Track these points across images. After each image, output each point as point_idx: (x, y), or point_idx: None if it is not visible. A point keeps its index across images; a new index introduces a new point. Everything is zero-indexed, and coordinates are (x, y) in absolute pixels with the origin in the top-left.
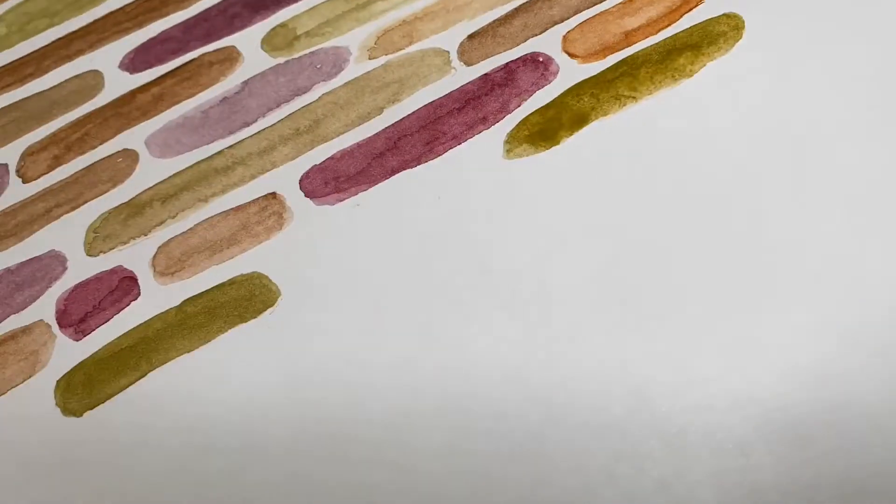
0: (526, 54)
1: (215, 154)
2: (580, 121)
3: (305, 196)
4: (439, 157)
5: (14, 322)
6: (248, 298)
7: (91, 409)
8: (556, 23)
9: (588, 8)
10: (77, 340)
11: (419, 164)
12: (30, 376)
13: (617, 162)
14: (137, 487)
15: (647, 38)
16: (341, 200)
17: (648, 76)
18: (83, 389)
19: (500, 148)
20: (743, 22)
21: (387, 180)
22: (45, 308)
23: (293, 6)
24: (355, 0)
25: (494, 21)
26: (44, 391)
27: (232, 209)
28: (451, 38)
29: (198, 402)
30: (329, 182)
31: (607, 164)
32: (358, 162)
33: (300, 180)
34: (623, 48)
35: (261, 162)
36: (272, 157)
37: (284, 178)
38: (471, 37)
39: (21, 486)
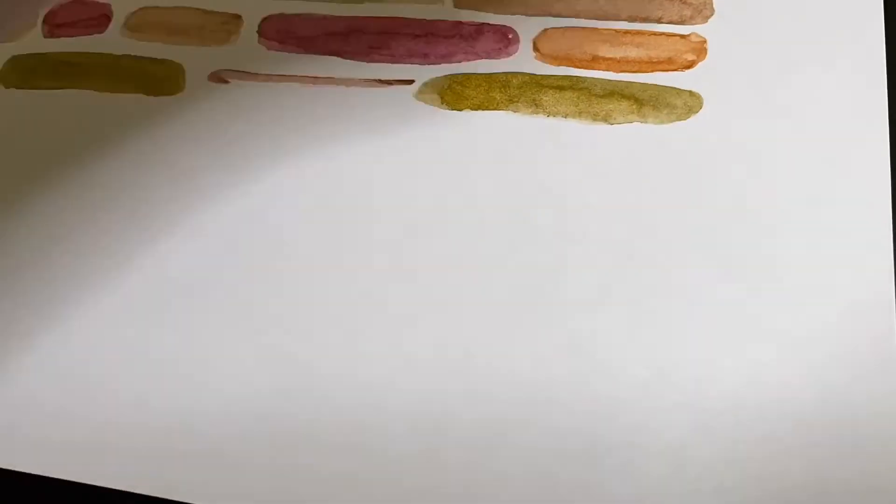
0: (505, 26)
1: None
2: (489, 104)
3: (256, 32)
4: (365, 65)
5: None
6: (161, 79)
7: (18, 87)
8: (549, 14)
9: (585, 18)
10: (45, 37)
11: (349, 60)
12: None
13: (482, 157)
14: None
15: (607, 70)
16: (276, 51)
17: (575, 100)
18: (25, 71)
19: (416, 87)
20: (700, 104)
21: (319, 56)
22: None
23: None
24: None
25: None
26: None
27: (203, 9)
28: None
29: None
30: (280, 31)
31: (475, 154)
32: (312, 30)
33: (262, 19)
34: (580, 67)
35: None
36: None
37: (255, 11)
38: None
39: None
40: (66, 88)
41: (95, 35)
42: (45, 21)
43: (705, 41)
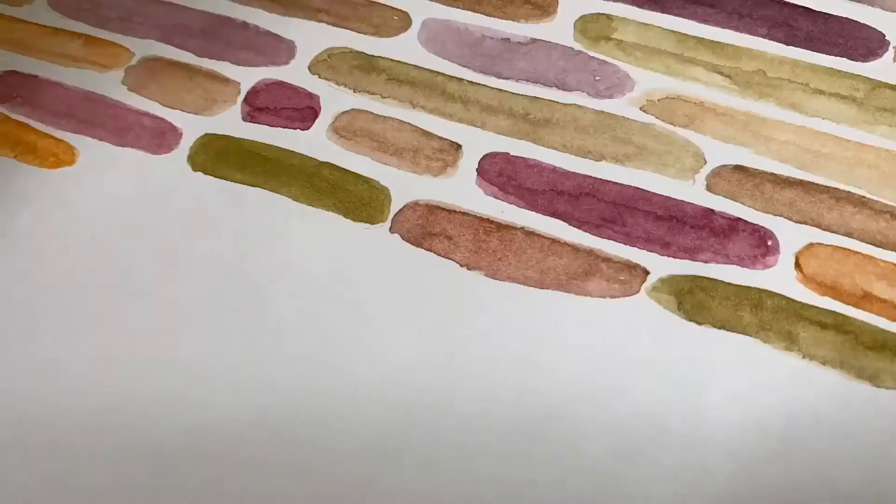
0: (763, 227)
1: (454, 77)
2: (735, 324)
3: (476, 169)
4: (594, 240)
5: (220, 66)
6: (364, 203)
7: (206, 173)
8: (818, 226)
9: (860, 240)
10: (243, 120)
11: (578, 228)
12: (200, 111)
13: (719, 391)
14: None
15: (880, 314)
16: (495, 197)
17: (838, 346)
18: (215, 155)
19: (650, 281)
20: None
21: (539, 215)
22: (247, 77)
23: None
24: (693, 50)
25: (773, 173)
26: (189, 135)
27: (417, 128)
28: (719, 152)
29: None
30: (502, 175)
31: (711, 387)
32: (538, 181)
33: (485, 154)
34: (849, 303)
35: (477, 114)
36: (488, 118)
37: (477, 142)
38: (737, 168)
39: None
40: (255, 186)
41: (299, 130)
42: (245, 100)
43: None
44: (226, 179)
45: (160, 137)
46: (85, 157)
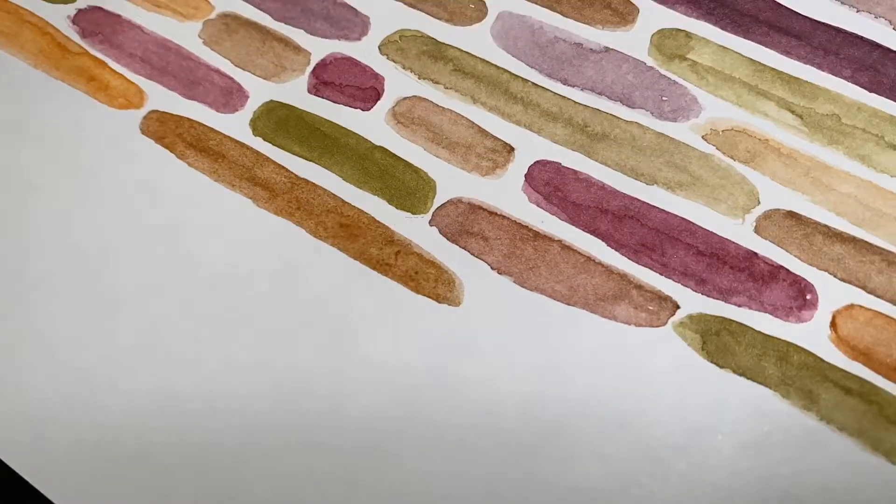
0: (804, 279)
1: (519, 77)
2: (756, 374)
3: (524, 175)
4: (630, 265)
5: (294, 34)
6: (410, 192)
7: (265, 140)
8: (863, 287)
9: None
10: (308, 91)
11: (616, 251)
12: (269, 77)
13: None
14: None
15: None
16: (538, 206)
17: (860, 414)
18: (275, 123)
19: (678, 316)
20: None
21: (579, 230)
22: (318, 47)
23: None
24: (769, 82)
25: (826, 225)
26: (256, 99)
27: (474, 124)
28: (775, 194)
29: None
30: (549, 185)
31: (715, 434)
32: (584, 196)
33: (536, 161)
34: (879, 373)
35: (535, 119)
36: (545, 124)
37: (531, 147)
38: (790, 213)
39: None
40: (310, 161)
41: (359, 110)
42: (313, 72)
43: None
44: (283, 149)
45: (227, 96)
46: (152, 102)
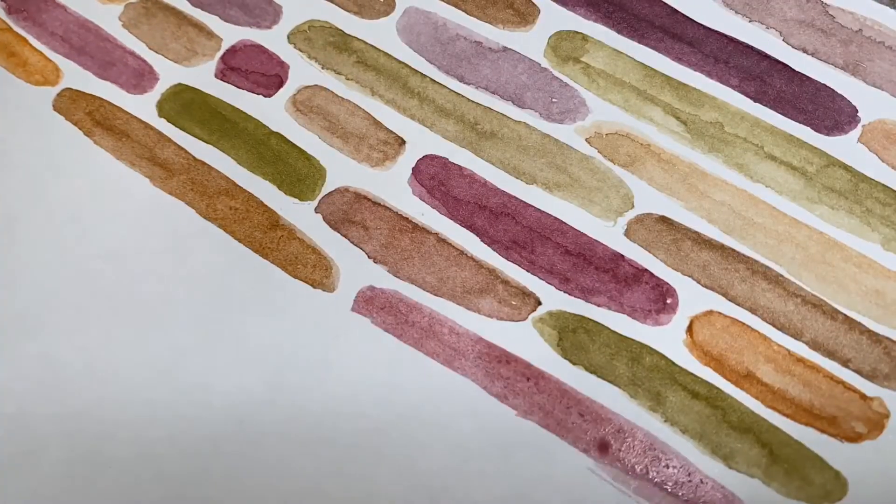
0: (667, 283)
1: (419, 72)
2: (607, 372)
3: (412, 168)
4: (499, 260)
5: (209, 20)
6: (300, 179)
7: (168, 121)
8: (724, 294)
9: (762, 319)
10: (215, 76)
11: (488, 246)
12: (180, 60)
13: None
14: None
15: (756, 397)
16: (420, 198)
17: (703, 418)
18: (181, 106)
19: (538, 312)
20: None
21: (457, 225)
22: (230, 34)
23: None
24: (658, 88)
25: (696, 232)
26: (165, 81)
27: (370, 116)
28: (650, 199)
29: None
30: (434, 179)
31: None
32: (466, 192)
33: (425, 155)
34: (728, 379)
35: (428, 114)
36: (438, 120)
37: (421, 141)
38: (661, 218)
39: None
40: (209, 143)
41: (261, 96)
42: (222, 57)
43: (888, 416)
44: (185, 132)
45: (139, 78)
46: (67, 80)
